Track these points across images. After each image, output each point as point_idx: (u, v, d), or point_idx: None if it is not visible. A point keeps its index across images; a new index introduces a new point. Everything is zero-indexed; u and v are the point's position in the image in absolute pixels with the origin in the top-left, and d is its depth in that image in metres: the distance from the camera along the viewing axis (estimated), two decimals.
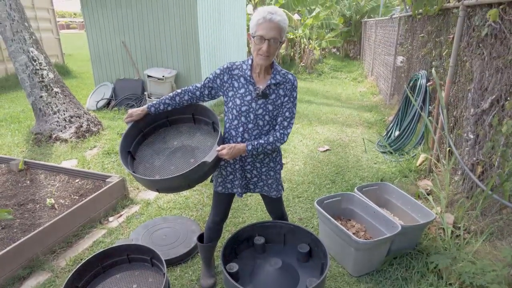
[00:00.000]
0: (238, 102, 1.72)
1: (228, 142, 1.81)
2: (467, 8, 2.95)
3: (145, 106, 1.87)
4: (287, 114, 1.74)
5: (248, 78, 1.71)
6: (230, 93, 1.76)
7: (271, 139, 1.72)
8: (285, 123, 1.74)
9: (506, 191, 2.31)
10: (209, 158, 1.64)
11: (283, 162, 1.97)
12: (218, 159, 1.73)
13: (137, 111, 1.86)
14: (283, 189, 2.02)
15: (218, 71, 1.78)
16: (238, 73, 1.74)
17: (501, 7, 2.42)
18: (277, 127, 1.75)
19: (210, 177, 1.99)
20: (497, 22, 2.49)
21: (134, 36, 6.43)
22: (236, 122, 1.75)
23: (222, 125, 1.86)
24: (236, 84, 1.74)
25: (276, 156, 1.88)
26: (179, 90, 1.87)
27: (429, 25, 4.23)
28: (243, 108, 1.71)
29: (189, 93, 1.85)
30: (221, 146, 1.67)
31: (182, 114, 2.04)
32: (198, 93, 1.84)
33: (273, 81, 1.70)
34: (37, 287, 2.22)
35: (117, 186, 3.12)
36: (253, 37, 1.62)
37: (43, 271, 2.35)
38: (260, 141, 1.70)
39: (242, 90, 1.73)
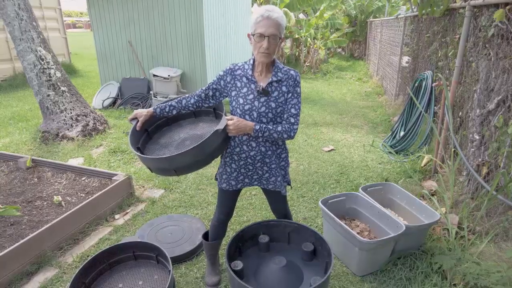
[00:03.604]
0: (241, 101, 1.75)
1: (234, 140, 1.83)
2: (473, 8, 2.94)
3: (151, 108, 1.90)
4: (292, 110, 1.75)
5: (250, 77, 1.74)
6: (233, 93, 1.78)
7: (279, 128, 1.72)
8: (292, 120, 1.75)
9: (510, 192, 2.30)
10: (221, 126, 1.66)
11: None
12: (227, 137, 1.75)
13: (142, 113, 1.87)
14: (289, 184, 2.03)
15: (221, 73, 1.82)
16: (240, 73, 1.77)
17: (507, 7, 2.41)
18: (283, 122, 1.76)
19: (215, 174, 2.02)
20: (503, 23, 2.47)
21: (140, 35, 6.47)
22: None
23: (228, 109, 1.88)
24: (238, 84, 1.77)
25: (281, 152, 1.90)
26: (186, 95, 1.91)
27: (435, 25, 4.21)
28: (246, 107, 1.73)
29: (195, 96, 1.88)
30: (231, 116, 1.70)
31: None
32: (203, 95, 1.87)
33: (274, 78, 1.72)
34: (45, 283, 2.25)
35: (123, 184, 3.16)
36: (253, 35, 1.65)
37: (50, 267, 2.39)
38: (269, 126, 1.71)
39: (245, 90, 1.75)
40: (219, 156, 1.93)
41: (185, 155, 1.63)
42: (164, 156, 1.66)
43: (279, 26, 1.63)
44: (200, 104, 1.90)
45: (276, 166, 1.87)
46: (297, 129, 1.76)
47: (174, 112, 1.91)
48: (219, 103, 1.97)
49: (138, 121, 1.88)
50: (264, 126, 1.70)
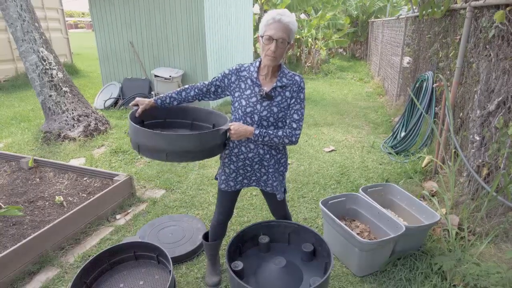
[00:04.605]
0: (243, 103, 1.75)
1: (233, 141, 1.84)
2: (474, 9, 2.94)
3: (152, 99, 1.90)
4: (295, 116, 1.74)
5: (255, 80, 1.74)
6: (237, 94, 1.79)
7: (280, 133, 1.72)
8: (294, 125, 1.74)
9: (509, 193, 2.31)
10: (225, 127, 1.70)
11: (288, 162, 1.99)
12: (225, 140, 1.78)
13: (144, 101, 1.87)
14: (285, 191, 2.04)
15: (227, 71, 1.82)
16: (245, 75, 1.78)
17: (507, 8, 2.41)
18: (285, 127, 1.76)
19: (216, 174, 2.03)
20: (504, 24, 2.48)
21: (142, 36, 6.49)
22: (241, 122, 1.78)
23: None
24: (243, 86, 1.78)
25: (281, 158, 1.90)
26: (186, 86, 1.91)
27: (436, 26, 4.21)
28: (248, 109, 1.74)
29: (196, 89, 1.88)
30: (233, 122, 1.72)
31: (182, 119, 2.07)
32: (204, 89, 1.88)
33: (278, 84, 1.72)
34: (47, 282, 2.27)
35: (124, 184, 3.17)
36: (262, 37, 1.65)
37: (52, 266, 2.41)
38: (269, 131, 1.72)
39: (248, 92, 1.76)
40: (219, 158, 1.95)
41: (182, 139, 1.62)
42: (161, 133, 1.62)
43: (289, 31, 1.63)
44: (200, 97, 1.91)
45: (274, 170, 1.88)
46: (299, 134, 1.75)
47: (175, 103, 1.92)
48: (222, 118, 1.96)
49: (138, 107, 1.88)
50: (264, 131, 1.70)
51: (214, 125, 2.02)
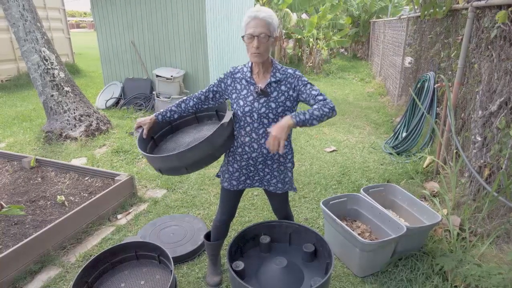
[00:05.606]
0: (241, 103, 1.77)
1: (237, 140, 1.84)
2: (476, 9, 2.94)
3: (152, 115, 1.93)
4: (313, 92, 1.69)
5: (249, 79, 1.77)
6: (234, 96, 1.81)
7: (315, 106, 1.64)
8: (320, 97, 1.68)
9: (509, 194, 2.30)
10: (226, 119, 1.69)
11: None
12: (233, 131, 1.80)
13: (145, 120, 1.90)
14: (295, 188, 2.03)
15: (222, 76, 1.85)
16: (240, 76, 1.80)
17: (510, 9, 2.40)
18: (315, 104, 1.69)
19: (217, 172, 2.05)
20: (506, 24, 2.47)
21: (143, 36, 6.50)
22: (242, 122, 1.79)
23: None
24: (238, 87, 1.80)
25: (287, 153, 1.90)
26: (185, 97, 1.93)
27: (437, 26, 4.21)
28: (246, 109, 1.75)
29: (195, 99, 1.90)
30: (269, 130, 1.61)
31: (185, 117, 2.13)
32: (203, 97, 1.89)
33: (273, 79, 1.73)
34: (48, 282, 2.27)
35: (125, 184, 3.18)
36: (243, 37, 1.68)
37: (54, 266, 2.41)
38: (303, 111, 1.63)
39: (244, 92, 1.77)
40: (224, 155, 1.96)
41: (194, 150, 1.64)
42: (174, 153, 1.66)
43: (269, 25, 1.64)
44: (199, 106, 1.92)
45: (280, 165, 1.88)
46: (331, 101, 1.66)
47: (176, 116, 1.93)
48: (221, 104, 1.99)
49: (143, 129, 1.90)
50: (299, 111, 1.62)
51: (217, 111, 2.05)
